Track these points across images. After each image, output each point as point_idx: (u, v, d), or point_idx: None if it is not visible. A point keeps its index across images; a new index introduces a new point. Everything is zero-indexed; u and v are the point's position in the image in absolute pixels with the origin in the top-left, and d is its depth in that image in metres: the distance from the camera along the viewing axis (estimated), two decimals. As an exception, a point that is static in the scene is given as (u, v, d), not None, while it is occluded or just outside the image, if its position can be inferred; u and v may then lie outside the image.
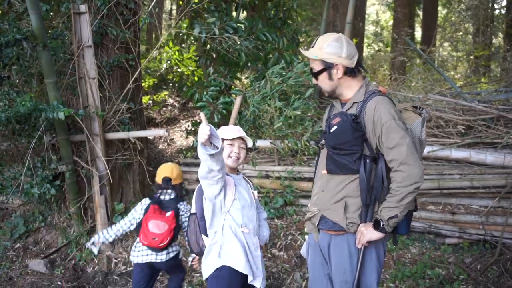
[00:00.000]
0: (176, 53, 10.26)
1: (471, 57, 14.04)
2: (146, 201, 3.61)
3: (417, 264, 4.54)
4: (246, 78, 6.58)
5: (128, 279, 4.49)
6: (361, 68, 2.50)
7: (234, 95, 5.61)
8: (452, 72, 12.70)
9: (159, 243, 3.37)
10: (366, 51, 15.45)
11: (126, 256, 4.86)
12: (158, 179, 3.69)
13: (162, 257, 3.49)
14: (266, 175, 5.76)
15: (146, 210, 3.51)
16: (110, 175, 4.88)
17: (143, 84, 10.36)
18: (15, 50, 4.32)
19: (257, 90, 5.22)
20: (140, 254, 3.51)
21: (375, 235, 2.33)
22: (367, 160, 2.36)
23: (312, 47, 2.51)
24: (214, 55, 6.15)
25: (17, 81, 4.90)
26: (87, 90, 4.75)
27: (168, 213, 3.47)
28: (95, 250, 3.67)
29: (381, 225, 2.31)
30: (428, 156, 5.27)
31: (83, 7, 4.62)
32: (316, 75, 2.47)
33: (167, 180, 3.64)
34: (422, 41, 14.01)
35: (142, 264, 3.51)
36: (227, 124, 5.50)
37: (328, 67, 2.42)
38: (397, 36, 9.70)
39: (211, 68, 5.90)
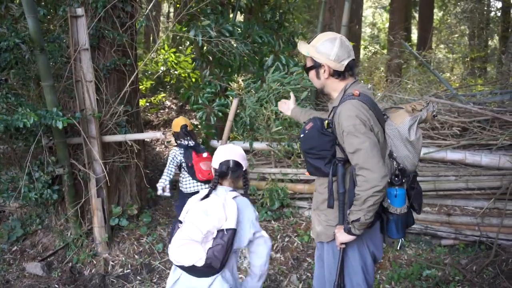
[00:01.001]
0: (173, 56, 10.29)
1: (467, 59, 14.11)
2: (175, 150, 4.84)
3: (413, 265, 4.55)
4: (242, 80, 6.59)
5: (124, 282, 4.50)
6: (351, 72, 2.48)
7: (230, 98, 5.63)
8: (448, 74, 12.76)
9: (212, 176, 3.75)
10: (362, 53, 15.50)
11: (123, 258, 4.87)
12: (176, 128, 4.90)
13: (202, 187, 4.87)
14: (262, 177, 5.79)
15: (188, 155, 4.81)
16: (107, 178, 4.89)
17: (140, 86, 10.40)
18: (14, 54, 4.35)
19: (253, 91, 5.24)
20: (192, 186, 4.88)
21: (345, 237, 2.38)
22: (339, 164, 2.38)
23: (309, 43, 2.55)
24: (210, 58, 6.16)
25: (15, 84, 4.91)
26: (84, 93, 4.76)
27: (205, 154, 4.87)
28: (167, 194, 4.77)
29: (348, 227, 2.34)
30: (423, 157, 5.29)
31: (80, 11, 4.63)
32: (307, 70, 2.54)
33: (185, 127, 4.91)
34: (418, 43, 14.09)
35: (192, 193, 4.59)
36: (223, 125, 5.53)
37: (316, 66, 2.46)
38: (393, 38, 9.74)
39: (207, 70, 5.92)
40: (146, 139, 7.43)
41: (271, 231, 5.27)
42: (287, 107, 3.14)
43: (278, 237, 5.17)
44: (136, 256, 4.93)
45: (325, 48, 2.41)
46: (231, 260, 2.52)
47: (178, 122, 4.93)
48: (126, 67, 5.22)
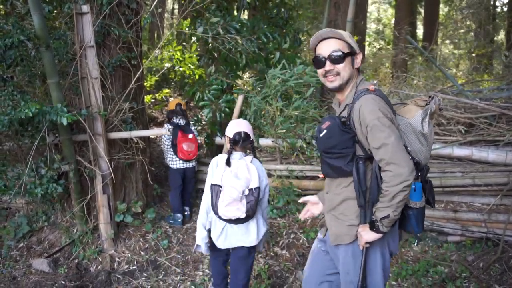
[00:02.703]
0: (178, 53, 10.29)
1: (473, 55, 14.02)
2: (168, 126, 5.58)
3: (419, 262, 4.54)
4: (248, 78, 6.58)
5: (130, 279, 4.51)
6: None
7: (235, 94, 5.62)
8: (454, 70, 12.68)
9: (192, 156, 5.63)
10: (367, 49, 15.43)
11: (129, 255, 4.88)
12: (172, 106, 5.70)
13: (191, 164, 5.75)
14: (268, 174, 5.78)
15: (175, 133, 5.51)
16: (112, 175, 4.90)
17: (145, 83, 10.41)
18: (19, 51, 4.36)
19: (258, 89, 5.23)
20: (177, 164, 5.69)
21: (372, 236, 2.32)
22: (360, 162, 2.34)
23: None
24: (216, 55, 6.15)
25: (21, 81, 4.92)
26: (89, 90, 4.76)
27: (191, 135, 5.59)
28: None
29: (376, 225, 2.29)
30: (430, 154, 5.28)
31: (85, 8, 4.62)
32: (342, 58, 2.36)
33: (180, 105, 5.69)
34: (423, 39, 14.01)
35: (180, 169, 5.70)
36: (228, 122, 5.52)
37: (353, 52, 2.41)
38: (398, 34, 9.68)
39: (212, 67, 5.91)
40: (151, 136, 7.45)
41: (276, 227, 5.27)
42: (315, 209, 2.93)
43: (284, 233, 5.17)
44: (142, 253, 4.95)
45: (354, 40, 2.42)
46: (258, 207, 3.33)
47: (174, 101, 5.76)
48: (131, 64, 5.21)
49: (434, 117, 2.37)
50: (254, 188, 3.20)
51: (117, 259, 4.85)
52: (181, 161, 5.66)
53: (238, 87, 5.77)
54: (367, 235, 2.33)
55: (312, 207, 2.92)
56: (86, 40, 4.69)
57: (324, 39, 2.42)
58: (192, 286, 4.38)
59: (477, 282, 4.18)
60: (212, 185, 3.24)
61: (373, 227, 2.31)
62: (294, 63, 5.53)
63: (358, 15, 9.91)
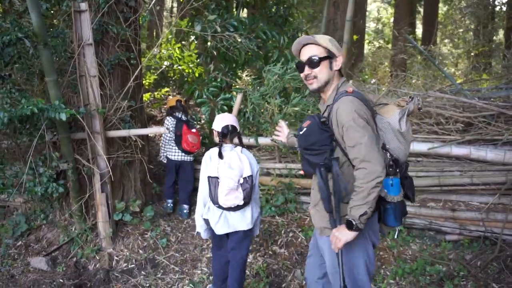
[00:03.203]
0: (177, 51, 10.27)
1: (472, 54, 14.03)
2: (168, 120, 5.81)
3: (417, 261, 4.55)
4: (246, 76, 6.58)
5: (129, 277, 4.51)
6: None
7: (234, 93, 5.62)
8: (452, 69, 12.69)
9: (195, 149, 5.75)
10: (367, 48, 15.43)
11: (128, 253, 4.88)
12: (172, 102, 5.93)
13: (189, 158, 5.87)
14: (267, 173, 5.78)
15: (180, 126, 5.69)
16: (111, 173, 4.89)
17: (143, 81, 10.39)
18: (17, 49, 4.35)
19: (257, 88, 5.23)
20: (177, 155, 5.82)
21: (350, 235, 2.40)
22: (334, 162, 2.46)
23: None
24: (215, 53, 6.14)
25: (19, 79, 4.92)
26: (87, 88, 4.75)
27: (194, 130, 5.75)
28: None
29: (354, 224, 2.36)
30: (428, 153, 5.28)
31: (83, 5, 4.62)
32: (317, 62, 2.52)
33: (180, 101, 5.90)
34: (422, 38, 14.02)
35: (177, 161, 5.83)
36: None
37: (331, 56, 2.54)
38: (397, 33, 9.68)
39: (211, 65, 5.91)
40: (150, 134, 7.44)
41: (275, 226, 5.27)
42: (283, 135, 3.22)
43: (283, 232, 5.17)
44: (140, 251, 4.94)
45: (334, 43, 2.56)
46: (252, 193, 3.60)
47: (174, 98, 5.98)
48: (129, 62, 5.20)
49: (414, 115, 2.54)
50: (248, 177, 3.51)
51: (115, 258, 4.84)
52: (181, 154, 5.81)
53: (237, 86, 5.76)
54: (345, 236, 2.41)
55: (282, 132, 3.21)
56: (85, 38, 4.68)
57: (304, 45, 2.61)
58: (190, 285, 4.38)
59: (474, 280, 4.18)
60: (209, 177, 3.49)
61: (351, 227, 2.38)
62: (293, 61, 5.53)
63: (357, 14, 9.89)
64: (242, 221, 3.60)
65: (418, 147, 5.30)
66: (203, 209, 3.66)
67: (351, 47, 7.92)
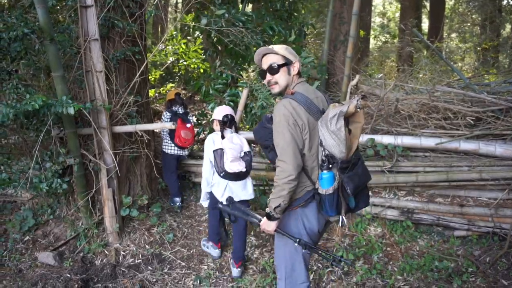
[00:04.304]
0: (183, 46, 10.24)
1: (479, 49, 13.91)
2: (165, 114, 5.93)
3: (425, 257, 4.53)
4: (253, 71, 6.55)
5: (135, 272, 4.51)
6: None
7: (240, 88, 5.59)
8: (460, 64, 12.58)
9: (187, 144, 5.79)
10: (372, 43, 15.33)
11: (134, 248, 4.88)
12: (171, 96, 5.94)
13: (185, 152, 5.99)
14: (273, 168, 5.75)
15: (174, 120, 5.68)
16: (117, 168, 4.89)
17: (149, 77, 10.38)
18: (24, 45, 4.34)
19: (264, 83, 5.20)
20: (172, 150, 5.89)
21: (272, 224, 2.80)
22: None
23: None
24: (220, 48, 6.11)
25: (25, 75, 4.91)
26: (94, 83, 4.74)
27: (189, 125, 5.76)
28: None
29: (271, 215, 2.74)
30: (436, 148, 5.24)
31: (89, 1, 4.59)
32: (277, 69, 2.82)
33: (179, 95, 5.95)
34: (429, 33, 13.90)
35: (174, 155, 5.90)
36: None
37: (289, 63, 2.85)
38: (404, 27, 9.61)
39: (217, 61, 5.88)
40: (155, 130, 7.44)
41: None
42: None
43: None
44: (147, 246, 4.94)
45: (291, 51, 2.90)
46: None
47: (173, 91, 5.98)
48: (135, 57, 5.18)
49: (354, 114, 2.66)
50: (247, 152, 4.30)
51: (122, 253, 4.85)
52: (176, 148, 5.87)
53: (243, 81, 5.73)
54: (269, 226, 2.82)
55: None
56: (91, 34, 4.66)
57: (265, 55, 2.90)
58: (197, 280, 4.38)
59: (483, 277, 4.16)
60: (214, 151, 4.19)
61: (269, 218, 2.77)
62: (299, 56, 5.49)
63: (364, 8, 9.83)
64: (244, 190, 4.30)
65: (426, 142, 5.26)
66: (207, 186, 4.40)
67: (357, 42, 7.86)
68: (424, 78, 7.19)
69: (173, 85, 11.17)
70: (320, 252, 2.92)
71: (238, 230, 4.42)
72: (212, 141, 4.29)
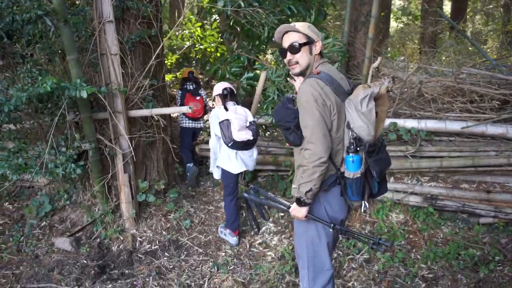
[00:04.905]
0: (199, 30, 10.10)
1: (503, 30, 13.46)
2: (179, 92, 6.41)
3: (449, 244, 4.37)
4: (272, 53, 6.38)
5: (152, 259, 4.44)
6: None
7: (258, 71, 5.45)
8: (484, 46, 12.19)
9: (197, 115, 6.20)
10: (394, 25, 14.96)
11: (151, 234, 4.82)
12: (185, 74, 6.47)
13: (200, 124, 6.39)
14: (291, 153, 5.63)
15: (183, 95, 6.30)
16: (133, 153, 4.81)
17: (166, 61, 10.27)
18: (38, 28, 4.27)
19: (281, 66, 5.05)
20: (186, 123, 6.29)
21: (303, 211, 2.70)
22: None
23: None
24: (238, 29, 5.95)
25: (42, 59, 4.85)
26: (109, 66, 4.64)
27: (198, 97, 6.30)
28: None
29: (302, 200, 2.64)
30: (462, 132, 5.04)
31: (103, -19, 4.48)
32: (298, 48, 2.69)
33: (192, 73, 6.42)
34: (451, 15, 13.50)
35: (189, 128, 6.32)
36: (251, 100, 5.37)
37: (311, 42, 2.71)
38: (428, 6, 9.29)
39: (234, 43, 5.73)
40: (172, 114, 7.37)
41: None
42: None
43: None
44: (163, 232, 4.88)
45: (313, 29, 2.73)
46: None
47: (186, 70, 6.50)
48: (151, 40, 5.07)
49: (385, 97, 2.55)
50: (252, 121, 4.52)
51: (138, 239, 4.79)
52: (190, 121, 6.27)
53: (260, 63, 5.58)
54: (299, 213, 2.71)
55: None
56: (105, 15, 4.55)
57: (286, 33, 2.76)
58: (214, 267, 4.30)
59: (511, 265, 3.99)
60: (220, 122, 4.33)
61: (300, 203, 2.67)
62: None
63: (384, -12, 9.51)
64: (251, 160, 4.53)
65: (451, 126, 5.06)
66: (214, 158, 4.57)
67: (379, 22, 7.61)
68: (448, 60, 6.93)
69: (190, 69, 11.04)
70: (357, 235, 2.83)
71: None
72: (217, 115, 4.40)
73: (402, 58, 7.49)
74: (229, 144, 4.32)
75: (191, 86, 6.37)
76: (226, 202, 4.66)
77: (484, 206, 4.64)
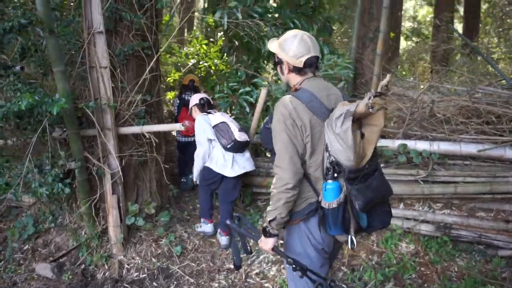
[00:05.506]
0: (204, 47, 9.90)
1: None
2: (177, 101, 6.17)
3: (465, 279, 3.96)
4: (272, 69, 6.11)
5: (139, 289, 4.08)
6: (312, 69, 2.49)
7: (256, 86, 5.15)
8: (499, 66, 11.85)
9: (190, 133, 5.85)
10: (404, 44, 14.69)
11: (139, 261, 4.46)
12: (185, 81, 6.13)
13: (193, 139, 5.51)
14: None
15: (179, 108, 6.00)
16: (124, 173, 4.50)
17: (168, 79, 10.01)
18: (21, 37, 4.01)
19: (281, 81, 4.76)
20: (181, 137, 6.08)
21: (269, 242, 2.46)
22: None
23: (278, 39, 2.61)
24: (237, 43, 5.66)
25: (36, 73, 4.59)
26: (98, 80, 4.35)
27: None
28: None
29: (267, 230, 2.42)
30: (478, 155, 4.66)
31: (94, -12, 4.22)
32: (275, 67, 2.62)
33: (193, 82, 6.08)
34: (463, 33, 13.24)
35: (181, 142, 6.08)
36: (248, 116, 5.08)
37: (279, 62, 2.55)
38: (439, 23, 8.97)
39: (233, 57, 5.44)
40: (168, 131, 7.11)
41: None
42: None
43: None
44: (153, 259, 4.52)
45: (287, 45, 2.47)
46: None
47: (188, 77, 6.10)
48: (145, 53, 4.76)
49: (365, 115, 2.19)
50: (241, 127, 4.52)
51: (126, 266, 4.43)
52: (184, 137, 6.05)
53: (259, 78, 5.28)
54: (266, 244, 2.48)
55: None
56: (95, 25, 4.27)
57: None
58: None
59: (535, 305, 3.58)
60: (215, 126, 4.38)
61: (266, 234, 2.44)
62: (322, 52, 5.01)
63: (394, 4, 9.22)
64: (247, 162, 4.52)
65: (466, 148, 4.68)
66: (201, 164, 4.53)
67: (388, 39, 7.30)
68: (461, 80, 6.58)
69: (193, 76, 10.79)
70: (310, 274, 2.44)
71: (224, 197, 4.61)
72: (206, 121, 4.45)
73: (411, 79, 7.15)
74: (229, 146, 4.32)
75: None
76: (202, 196, 4.71)
77: (503, 237, 4.23)
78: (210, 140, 4.47)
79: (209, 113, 4.59)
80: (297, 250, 2.53)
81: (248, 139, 4.45)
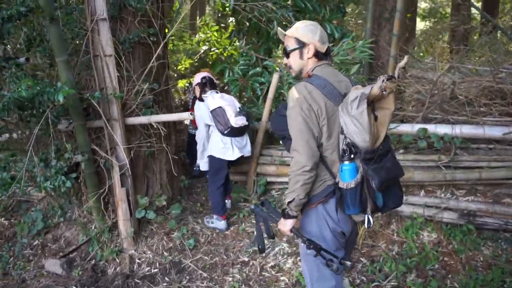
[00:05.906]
0: (215, 33, 9.73)
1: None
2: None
3: (492, 269, 3.75)
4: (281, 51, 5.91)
5: (150, 284, 3.94)
6: (328, 58, 2.59)
7: (267, 69, 4.95)
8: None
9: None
10: (422, 25, 14.26)
11: (151, 255, 4.33)
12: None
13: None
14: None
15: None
16: (133, 165, 4.35)
17: (179, 67, 9.85)
18: (36, 31, 3.89)
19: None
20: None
21: (288, 223, 2.52)
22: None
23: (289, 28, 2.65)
24: (247, 26, 5.44)
25: (43, 64, 4.47)
26: (103, 69, 4.19)
27: None
28: None
29: (286, 212, 2.50)
30: (503, 138, 4.41)
31: (96, -25, 4.04)
32: (289, 53, 2.59)
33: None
34: (481, 18, 12.81)
35: (192, 135, 5.94)
36: (259, 102, 4.89)
37: (300, 46, 2.54)
38: (460, 1, 8.60)
39: (242, 41, 5.22)
40: (179, 121, 6.96)
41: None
42: None
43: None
44: (165, 253, 4.38)
45: (308, 30, 2.53)
46: None
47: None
48: (151, 40, 4.58)
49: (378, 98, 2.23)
50: (240, 107, 4.51)
51: (137, 260, 4.30)
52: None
53: (269, 60, 5.07)
54: (284, 226, 2.54)
55: None
56: (98, 12, 4.11)
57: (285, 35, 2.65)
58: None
59: None
60: (212, 110, 4.31)
61: (284, 215, 2.52)
62: (333, 34, 4.79)
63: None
64: (245, 147, 4.57)
65: (491, 131, 4.44)
66: (202, 150, 4.57)
67: (405, 18, 6.99)
68: (482, 60, 6.28)
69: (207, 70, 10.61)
70: (324, 252, 2.46)
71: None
72: (205, 105, 4.42)
73: (430, 59, 6.86)
74: (225, 132, 4.32)
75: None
76: (212, 189, 4.66)
77: (532, 224, 4.01)
78: (208, 126, 4.48)
79: (201, 96, 4.58)
80: (313, 233, 2.55)
81: (247, 123, 4.41)
